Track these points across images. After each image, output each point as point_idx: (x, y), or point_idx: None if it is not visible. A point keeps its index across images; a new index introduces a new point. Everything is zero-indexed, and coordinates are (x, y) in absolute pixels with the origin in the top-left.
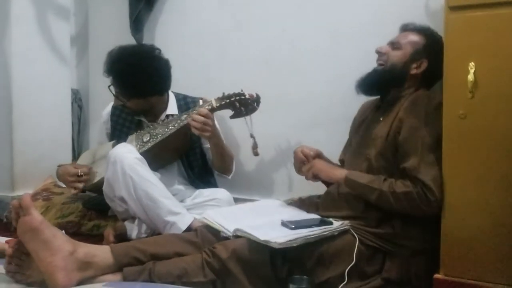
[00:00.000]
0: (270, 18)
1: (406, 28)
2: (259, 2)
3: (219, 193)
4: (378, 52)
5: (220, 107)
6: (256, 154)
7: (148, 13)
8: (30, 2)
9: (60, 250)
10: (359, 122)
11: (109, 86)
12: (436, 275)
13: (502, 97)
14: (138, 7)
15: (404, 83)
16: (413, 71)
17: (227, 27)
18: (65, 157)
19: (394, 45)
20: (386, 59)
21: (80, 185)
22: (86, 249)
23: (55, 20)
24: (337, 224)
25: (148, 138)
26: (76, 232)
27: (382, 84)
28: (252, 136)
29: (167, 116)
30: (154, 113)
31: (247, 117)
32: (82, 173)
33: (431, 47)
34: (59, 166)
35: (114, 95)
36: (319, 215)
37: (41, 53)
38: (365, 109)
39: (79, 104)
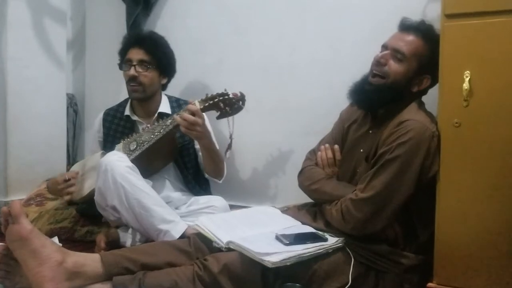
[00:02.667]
0: (269, 25)
1: (407, 27)
2: (259, 8)
3: (214, 201)
4: (377, 61)
5: (205, 109)
6: (225, 155)
7: (145, 18)
8: (27, 5)
9: (48, 260)
10: (348, 125)
11: (119, 64)
12: (429, 284)
13: (496, 105)
14: (135, 12)
15: (402, 100)
16: (415, 89)
17: (226, 33)
18: (60, 162)
19: (396, 54)
20: (386, 71)
21: (72, 189)
22: (76, 259)
23: (51, 24)
24: (332, 241)
25: (135, 146)
26: (69, 238)
27: (381, 102)
28: (231, 137)
29: (160, 114)
30: (148, 111)
31: (229, 119)
32: (69, 178)
33: (436, 60)
34: (47, 180)
35: (133, 65)
36: (314, 227)
37: (37, 57)
38: (355, 110)
39: (74, 109)
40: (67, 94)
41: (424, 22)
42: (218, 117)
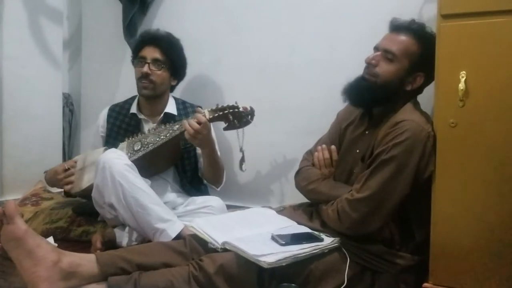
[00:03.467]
0: (267, 25)
1: (397, 27)
2: (256, 8)
3: (211, 201)
4: (368, 63)
5: (213, 119)
6: (242, 169)
7: (142, 17)
8: (23, 4)
9: (43, 260)
10: (345, 125)
11: (132, 60)
12: (425, 284)
13: (493, 105)
14: (131, 11)
15: (397, 100)
16: (408, 87)
17: (223, 32)
18: (56, 161)
19: (387, 54)
20: (377, 72)
21: (72, 178)
22: (71, 259)
23: (47, 24)
24: (327, 241)
25: (139, 147)
26: (64, 238)
27: (373, 101)
28: (241, 150)
29: (166, 114)
30: (154, 110)
31: (240, 130)
32: (69, 167)
33: (428, 57)
34: (45, 172)
35: (147, 62)
36: (310, 227)
37: (33, 56)
38: (352, 110)
39: (70, 109)
40: (63, 94)
41: (415, 21)
42: (225, 129)
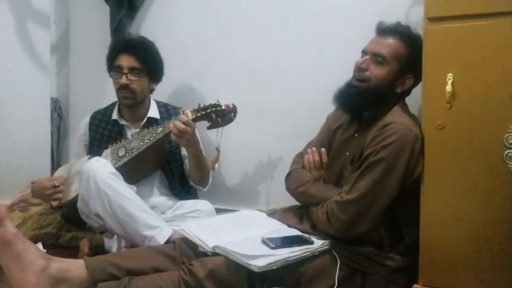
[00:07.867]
0: (255, 28)
1: (384, 30)
2: (244, 11)
3: (200, 205)
4: (359, 67)
5: (196, 119)
6: (213, 168)
7: (130, 21)
8: (10, 9)
9: (32, 265)
10: (335, 128)
11: (109, 71)
12: (415, 285)
13: (479, 107)
14: (119, 15)
15: (387, 102)
16: (398, 90)
17: (211, 36)
18: (44, 167)
19: (376, 57)
20: (368, 76)
21: (60, 195)
22: (60, 264)
23: (35, 28)
24: (318, 244)
25: (124, 153)
26: (53, 244)
27: (365, 105)
28: (217, 149)
29: (149, 118)
30: (137, 115)
31: (219, 129)
32: (59, 184)
33: (416, 59)
34: (32, 183)
35: (124, 73)
36: (300, 230)
37: (21, 61)
38: (341, 113)
39: (58, 113)
40: (51, 98)
41: (400, 24)
42: (209, 127)
